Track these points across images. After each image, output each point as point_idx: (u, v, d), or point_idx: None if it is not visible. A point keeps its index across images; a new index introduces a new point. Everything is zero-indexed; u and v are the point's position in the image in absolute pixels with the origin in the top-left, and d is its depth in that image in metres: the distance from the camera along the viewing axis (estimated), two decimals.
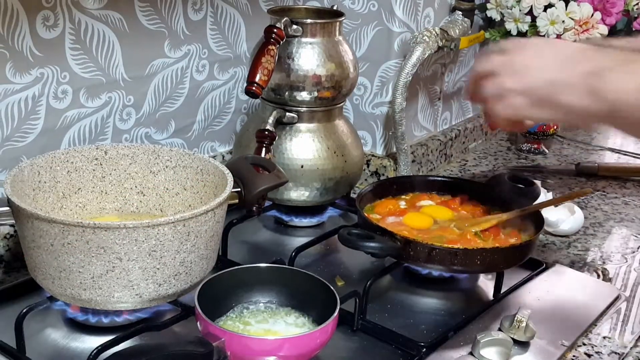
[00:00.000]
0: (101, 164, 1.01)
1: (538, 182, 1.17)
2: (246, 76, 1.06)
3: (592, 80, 0.74)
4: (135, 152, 1.02)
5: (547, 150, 1.68)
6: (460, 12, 1.43)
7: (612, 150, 1.72)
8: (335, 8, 1.22)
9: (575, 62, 0.77)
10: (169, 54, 1.19)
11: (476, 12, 1.51)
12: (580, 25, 1.41)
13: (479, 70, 0.88)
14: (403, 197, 1.17)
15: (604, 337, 0.97)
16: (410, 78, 1.31)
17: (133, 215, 1.04)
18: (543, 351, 0.92)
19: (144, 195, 1.04)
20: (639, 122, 0.71)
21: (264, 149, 1.09)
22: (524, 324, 0.92)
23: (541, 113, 0.82)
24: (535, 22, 1.44)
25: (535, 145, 1.67)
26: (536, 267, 1.11)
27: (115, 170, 1.02)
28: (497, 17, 1.50)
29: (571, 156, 1.67)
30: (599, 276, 1.14)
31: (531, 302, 1.02)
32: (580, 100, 0.76)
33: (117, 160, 1.02)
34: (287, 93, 1.15)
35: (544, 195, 1.23)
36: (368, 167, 1.42)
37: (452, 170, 1.56)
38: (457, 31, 1.38)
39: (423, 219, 1.09)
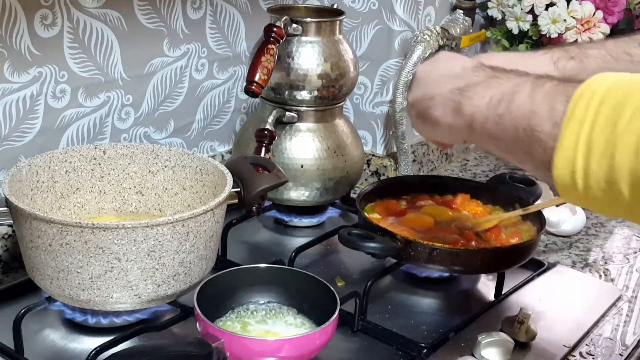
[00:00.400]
0: (100, 164, 1.00)
1: (544, 184, 1.16)
2: (246, 75, 1.05)
3: (458, 96, 0.75)
4: (134, 152, 1.02)
5: None
6: (461, 11, 1.43)
7: None
8: (335, 7, 1.22)
9: (453, 79, 0.77)
10: (168, 53, 1.19)
11: (477, 10, 1.50)
12: (582, 24, 1.40)
13: None
14: (404, 197, 1.16)
15: (606, 338, 0.97)
16: (411, 77, 1.30)
17: (132, 215, 1.03)
18: (544, 352, 0.92)
19: (142, 195, 1.03)
20: (491, 138, 0.71)
21: (263, 148, 1.09)
22: (525, 325, 0.92)
23: (422, 126, 0.82)
24: (537, 20, 1.43)
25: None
26: (537, 268, 1.11)
27: (114, 170, 1.01)
28: (499, 16, 1.49)
29: None
30: (600, 277, 1.14)
31: (532, 303, 1.01)
32: (446, 116, 0.76)
33: (115, 160, 1.01)
34: (286, 92, 1.14)
35: (546, 195, 1.23)
36: (368, 166, 1.41)
37: (453, 170, 1.56)
38: (458, 30, 1.38)
39: (423, 219, 1.09)
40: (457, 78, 0.77)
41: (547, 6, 1.42)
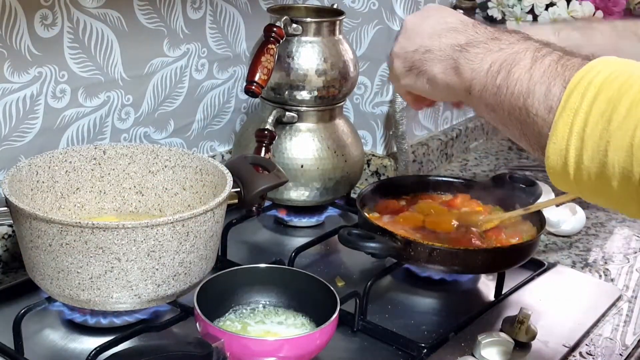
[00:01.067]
0: (100, 164, 1.00)
1: (543, 182, 1.16)
2: (246, 75, 1.05)
3: (458, 54, 0.72)
4: (134, 152, 1.02)
5: None
6: (461, 11, 1.42)
7: None
8: (335, 7, 1.22)
9: (453, 33, 0.74)
10: (168, 53, 1.19)
11: (477, 10, 1.50)
12: None
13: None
14: (403, 197, 1.16)
15: (606, 338, 0.97)
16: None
17: (132, 215, 1.03)
18: (544, 352, 0.92)
19: (142, 195, 1.03)
20: (488, 109, 0.69)
21: (263, 148, 1.09)
22: (525, 325, 0.92)
23: (412, 80, 0.78)
24: (537, 20, 1.43)
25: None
26: (537, 268, 1.11)
27: (114, 170, 1.01)
28: (499, 16, 1.49)
29: None
30: (600, 277, 1.14)
31: (532, 303, 1.01)
32: (444, 74, 0.73)
33: (115, 160, 1.01)
34: (286, 92, 1.14)
35: (546, 195, 1.23)
36: (368, 166, 1.41)
37: (453, 170, 1.56)
38: None
39: (416, 217, 1.09)
40: (457, 33, 0.74)
41: (547, 6, 1.42)
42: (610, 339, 0.97)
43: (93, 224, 0.79)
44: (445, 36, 0.75)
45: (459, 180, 1.21)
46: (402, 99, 0.87)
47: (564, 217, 1.23)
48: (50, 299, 0.88)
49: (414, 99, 0.87)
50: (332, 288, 0.87)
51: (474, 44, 0.71)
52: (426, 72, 0.76)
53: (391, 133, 1.40)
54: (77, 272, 0.81)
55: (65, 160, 0.97)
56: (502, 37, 0.70)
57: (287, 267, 1.00)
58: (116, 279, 0.82)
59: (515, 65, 0.65)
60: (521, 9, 1.44)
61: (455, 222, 1.06)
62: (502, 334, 0.90)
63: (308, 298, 0.89)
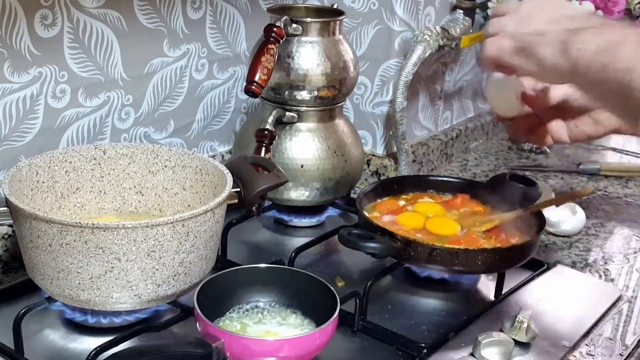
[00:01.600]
0: (100, 164, 1.00)
1: (543, 182, 1.16)
2: (246, 75, 1.05)
3: (567, 37, 0.76)
4: (134, 152, 1.02)
5: (548, 150, 1.67)
6: (461, 11, 1.43)
7: (614, 150, 1.72)
8: (335, 7, 1.22)
9: (568, 20, 0.79)
10: (168, 53, 1.19)
11: (477, 10, 1.50)
12: None
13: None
14: (404, 197, 1.16)
15: (606, 338, 0.97)
16: (411, 77, 1.30)
17: (132, 215, 1.03)
18: (544, 352, 0.92)
19: (142, 195, 1.03)
20: (590, 85, 0.73)
21: (263, 148, 1.09)
22: (525, 325, 0.92)
23: (519, 60, 0.82)
24: None
25: (537, 145, 1.66)
26: (537, 268, 1.11)
27: (114, 170, 1.01)
28: None
29: (573, 155, 1.66)
30: (600, 277, 1.14)
31: (532, 303, 1.01)
32: (553, 56, 0.77)
33: (115, 160, 1.01)
34: (286, 92, 1.14)
35: (546, 195, 1.22)
36: (368, 166, 1.41)
37: (453, 170, 1.56)
38: (458, 30, 1.38)
39: (416, 217, 1.08)
40: (572, 20, 0.78)
41: None
42: (610, 339, 0.97)
43: (93, 224, 0.79)
44: (562, 22, 0.79)
45: (459, 180, 1.21)
46: (489, 69, 0.91)
47: (564, 217, 1.23)
48: (50, 299, 0.88)
49: (498, 67, 0.90)
50: (332, 288, 0.87)
51: (586, 28, 0.75)
52: (536, 53, 0.79)
53: (391, 133, 1.40)
54: (77, 272, 0.81)
55: (65, 160, 0.97)
56: (614, 24, 0.75)
57: (287, 267, 1.00)
58: (116, 279, 0.82)
59: (621, 46, 0.69)
60: None
61: (455, 223, 1.07)
62: (502, 334, 0.90)
63: (308, 298, 0.89)
